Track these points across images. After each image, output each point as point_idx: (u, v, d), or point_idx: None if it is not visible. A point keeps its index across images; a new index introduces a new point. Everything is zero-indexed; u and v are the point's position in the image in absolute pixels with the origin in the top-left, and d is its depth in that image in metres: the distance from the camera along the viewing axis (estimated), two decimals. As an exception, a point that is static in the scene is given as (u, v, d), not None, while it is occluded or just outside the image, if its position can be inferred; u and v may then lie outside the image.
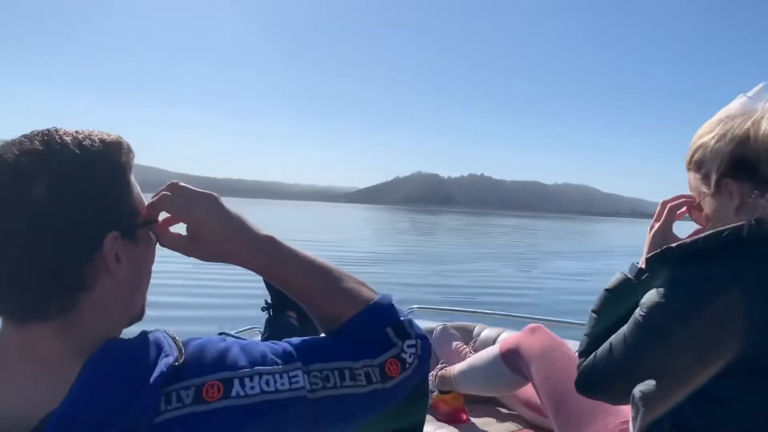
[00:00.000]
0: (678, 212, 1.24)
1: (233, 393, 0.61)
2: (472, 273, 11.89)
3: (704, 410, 0.98)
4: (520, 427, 1.90)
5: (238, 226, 0.79)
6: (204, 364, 0.63)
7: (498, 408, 2.05)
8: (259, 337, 2.15)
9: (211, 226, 0.78)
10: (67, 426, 0.54)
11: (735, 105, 1.12)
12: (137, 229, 0.70)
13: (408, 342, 0.79)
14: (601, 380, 1.14)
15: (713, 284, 0.98)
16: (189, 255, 0.81)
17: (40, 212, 0.61)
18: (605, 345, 1.13)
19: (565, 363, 1.60)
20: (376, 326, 0.78)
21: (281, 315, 2.17)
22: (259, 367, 0.65)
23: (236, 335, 1.83)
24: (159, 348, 0.62)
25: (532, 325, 1.78)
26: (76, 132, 0.67)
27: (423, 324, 2.24)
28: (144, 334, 0.65)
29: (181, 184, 0.80)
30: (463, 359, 2.02)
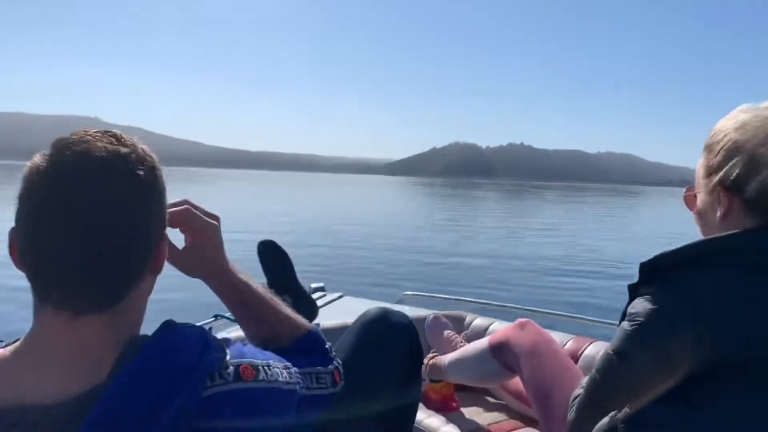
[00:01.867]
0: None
1: (260, 377, 0.77)
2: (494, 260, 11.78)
3: (682, 416, 1.00)
4: (508, 417, 1.95)
5: (225, 252, 0.99)
6: (236, 352, 0.77)
7: (487, 398, 2.11)
8: None
9: (214, 246, 0.96)
10: (124, 396, 0.63)
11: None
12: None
13: (337, 360, 1.05)
14: (593, 409, 1.13)
15: (706, 292, 0.99)
16: (177, 265, 0.96)
17: (124, 208, 0.69)
18: (591, 374, 1.11)
19: (553, 360, 1.64)
20: (319, 345, 1.04)
21: (280, 296, 2.24)
22: (270, 361, 0.83)
23: (230, 317, 1.93)
24: (209, 340, 0.74)
25: (521, 320, 1.81)
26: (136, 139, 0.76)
27: (414, 312, 2.29)
28: (193, 328, 0.76)
29: (194, 203, 0.95)
30: (454, 348, 2.07)
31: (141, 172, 0.71)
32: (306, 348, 1.01)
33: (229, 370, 0.73)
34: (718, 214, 1.08)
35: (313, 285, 2.63)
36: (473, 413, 1.97)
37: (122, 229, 0.69)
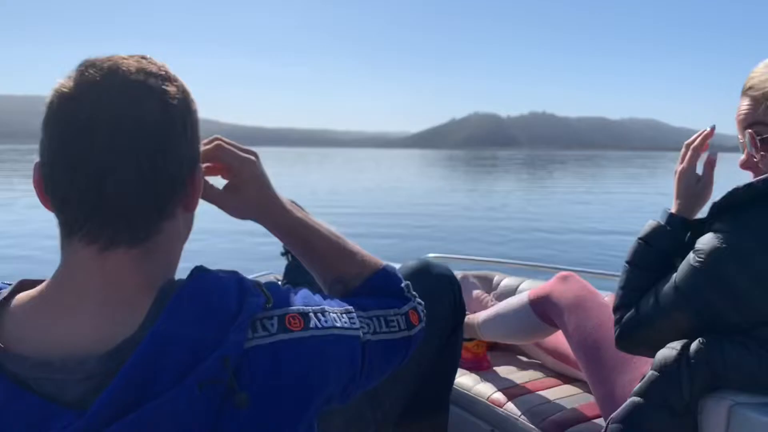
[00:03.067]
0: (701, 149, 1.23)
1: (311, 324, 0.69)
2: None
3: (755, 355, 1.00)
4: (544, 375, 1.91)
5: (273, 188, 0.91)
6: (281, 299, 0.69)
7: (519, 357, 2.07)
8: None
9: (257, 183, 0.89)
10: (162, 345, 0.58)
11: None
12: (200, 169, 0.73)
13: (417, 299, 0.95)
14: (649, 333, 1.14)
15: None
16: (224, 208, 0.90)
17: (153, 131, 0.63)
18: (648, 296, 1.13)
19: (599, 312, 1.59)
20: (393, 283, 0.93)
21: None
22: (325, 306, 0.74)
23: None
24: (245, 284, 0.67)
25: (563, 272, 1.77)
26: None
27: None
28: (225, 272, 0.68)
29: (227, 140, 0.88)
30: (484, 308, 2.04)
31: (172, 91, 0.66)
32: (377, 287, 0.91)
33: (273, 320, 0.66)
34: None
35: None
36: (507, 372, 1.95)
37: (150, 154, 0.63)
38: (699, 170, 1.24)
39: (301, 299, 0.72)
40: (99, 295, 0.63)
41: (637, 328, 1.14)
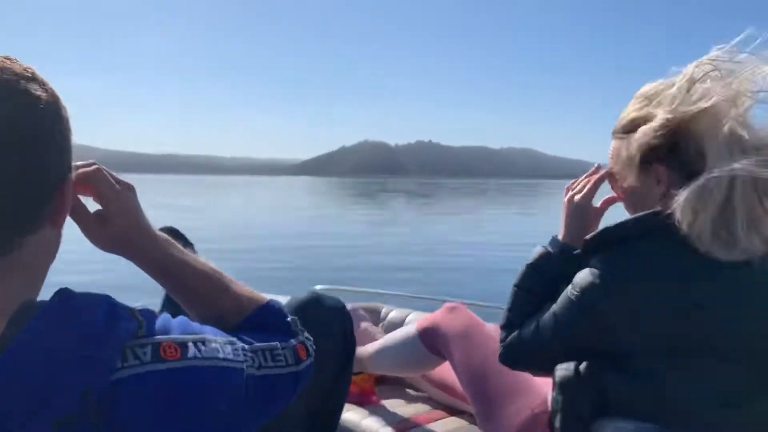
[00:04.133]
0: (600, 183, 1.28)
1: (190, 354, 0.62)
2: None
3: (630, 386, 1.03)
4: (431, 408, 1.92)
5: (146, 220, 0.86)
6: (156, 326, 0.62)
7: (407, 390, 2.07)
8: None
9: (128, 217, 0.84)
10: (13, 375, 0.51)
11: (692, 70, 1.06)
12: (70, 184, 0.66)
13: (306, 333, 0.90)
14: (528, 353, 1.17)
15: (649, 266, 1.03)
16: (90, 237, 0.84)
17: (12, 135, 0.58)
18: (531, 321, 1.16)
19: (485, 343, 1.62)
20: (278, 319, 0.88)
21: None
22: (207, 335, 0.67)
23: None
24: (116, 309, 0.61)
25: (450, 303, 1.79)
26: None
27: None
28: (95, 295, 0.62)
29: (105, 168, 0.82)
30: (372, 340, 2.01)
31: (38, 94, 0.60)
32: (261, 324, 0.85)
33: (146, 349, 0.59)
34: (656, 191, 1.10)
35: None
36: (395, 405, 1.93)
37: (10, 160, 0.57)
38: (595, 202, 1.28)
39: (179, 327, 0.66)
40: None
41: (518, 350, 1.18)
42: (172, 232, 1.80)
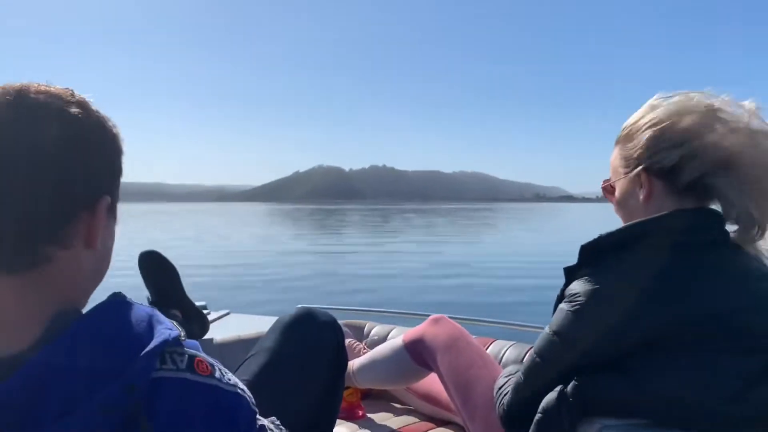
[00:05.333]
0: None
1: (217, 375, 0.65)
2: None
3: (624, 386, 1.05)
4: (418, 419, 1.95)
5: None
6: (190, 344, 0.66)
7: (393, 403, 2.11)
8: None
9: None
10: (42, 376, 0.54)
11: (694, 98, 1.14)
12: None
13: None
14: (535, 391, 1.15)
15: (639, 272, 1.06)
16: None
17: (48, 159, 0.61)
18: (527, 358, 1.17)
19: (470, 351, 1.66)
20: None
21: (166, 313, 2.08)
22: (222, 366, 0.70)
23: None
24: (159, 315, 0.65)
25: (435, 315, 1.83)
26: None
27: None
28: (142, 305, 0.66)
29: None
30: (357, 356, 2.04)
31: (75, 112, 0.64)
32: None
33: (183, 357, 0.63)
34: (641, 198, 1.16)
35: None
36: (382, 419, 1.96)
37: (37, 178, 0.61)
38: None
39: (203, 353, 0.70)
40: None
41: (523, 389, 1.18)
42: (156, 255, 1.80)
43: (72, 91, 0.67)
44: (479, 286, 10.46)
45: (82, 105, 0.66)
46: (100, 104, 0.70)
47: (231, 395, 0.66)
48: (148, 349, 0.59)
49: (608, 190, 1.29)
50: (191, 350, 0.65)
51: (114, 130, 0.70)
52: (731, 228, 1.14)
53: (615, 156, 1.26)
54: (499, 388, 1.29)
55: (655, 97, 1.21)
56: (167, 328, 0.63)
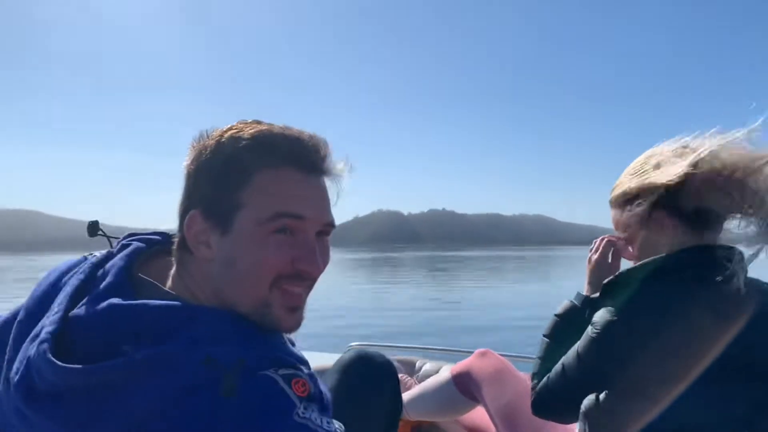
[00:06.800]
0: (613, 244, 1.46)
1: (307, 412, 0.72)
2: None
3: (647, 413, 1.10)
4: (466, 452, 2.02)
5: None
6: (311, 378, 0.78)
7: (443, 437, 2.18)
8: None
9: None
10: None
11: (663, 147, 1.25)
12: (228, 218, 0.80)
13: None
14: (557, 399, 1.26)
15: (661, 303, 1.15)
16: None
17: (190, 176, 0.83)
18: (557, 366, 1.26)
19: (515, 383, 1.75)
20: None
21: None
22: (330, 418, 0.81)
23: None
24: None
25: (481, 349, 1.92)
26: (245, 125, 0.83)
27: None
28: None
29: None
30: (408, 390, 2.14)
31: (201, 144, 0.83)
32: None
33: (288, 371, 0.73)
34: (666, 239, 1.24)
35: None
36: (431, 452, 2.03)
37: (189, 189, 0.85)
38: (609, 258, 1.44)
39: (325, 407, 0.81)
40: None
41: (548, 395, 1.28)
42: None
43: (225, 130, 0.85)
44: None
45: (209, 138, 0.84)
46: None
47: (303, 428, 0.71)
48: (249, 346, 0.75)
49: (624, 246, 1.36)
50: (300, 372, 0.76)
51: (236, 151, 0.83)
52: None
53: (619, 214, 1.34)
54: (533, 377, 1.37)
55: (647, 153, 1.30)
56: (294, 353, 0.81)
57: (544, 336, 1.40)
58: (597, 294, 1.28)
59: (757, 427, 1.08)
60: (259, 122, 0.84)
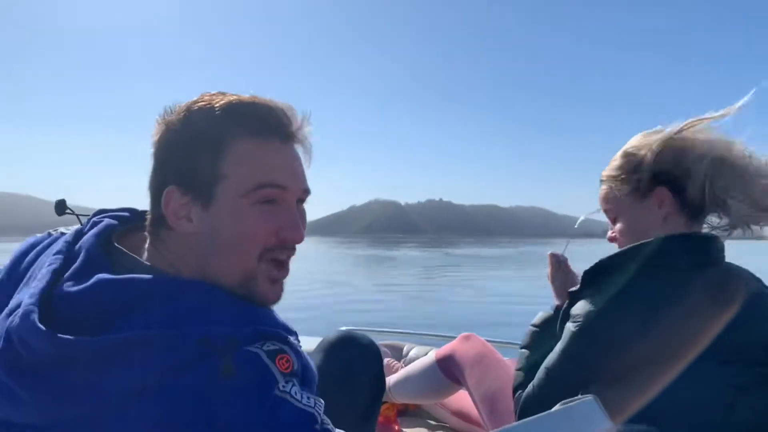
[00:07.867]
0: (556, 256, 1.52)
1: (288, 386, 0.73)
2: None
3: (629, 396, 1.10)
4: (450, 435, 2.05)
5: None
6: (294, 349, 0.79)
7: (428, 420, 2.23)
8: None
9: None
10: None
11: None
12: (207, 192, 0.80)
13: None
14: (545, 406, 1.23)
15: (661, 291, 1.15)
16: None
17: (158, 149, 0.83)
18: (539, 372, 1.26)
19: (497, 367, 1.77)
20: None
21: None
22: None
23: None
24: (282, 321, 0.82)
25: (465, 333, 1.94)
26: (211, 96, 0.82)
27: None
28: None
29: None
30: (394, 374, 2.17)
31: (173, 120, 0.82)
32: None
33: (274, 346, 0.73)
34: (660, 215, 1.24)
35: None
36: (417, 434, 2.06)
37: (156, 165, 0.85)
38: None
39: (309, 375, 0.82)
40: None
41: (534, 402, 1.27)
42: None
43: (195, 100, 0.84)
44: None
45: (188, 112, 0.83)
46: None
47: (289, 406, 0.72)
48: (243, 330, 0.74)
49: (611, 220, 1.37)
50: (285, 347, 0.75)
51: (207, 123, 0.84)
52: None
53: (610, 189, 1.33)
54: (516, 389, 1.37)
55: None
56: (284, 324, 0.82)
57: (522, 348, 1.40)
58: (575, 288, 1.28)
59: (740, 411, 1.09)
60: (224, 93, 0.83)
